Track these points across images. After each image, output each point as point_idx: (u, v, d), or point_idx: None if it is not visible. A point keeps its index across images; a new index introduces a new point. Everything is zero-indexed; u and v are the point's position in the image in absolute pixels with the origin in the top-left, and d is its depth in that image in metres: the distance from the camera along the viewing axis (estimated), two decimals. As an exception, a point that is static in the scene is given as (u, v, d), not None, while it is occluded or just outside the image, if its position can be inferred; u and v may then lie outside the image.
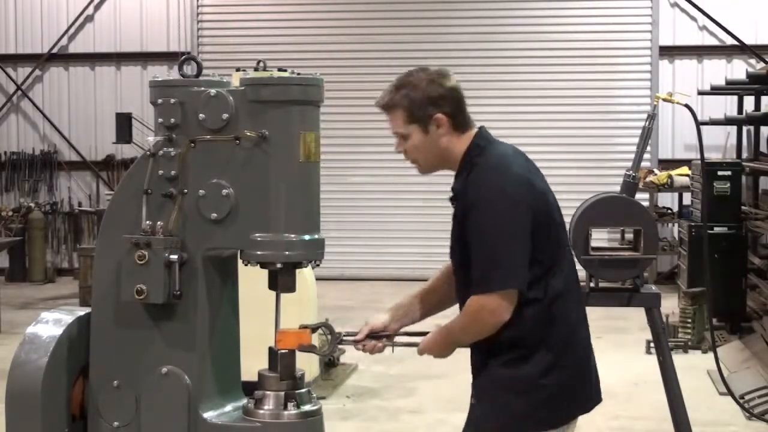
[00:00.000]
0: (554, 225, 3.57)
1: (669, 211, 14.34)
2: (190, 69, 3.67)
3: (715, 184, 10.71)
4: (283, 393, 3.53)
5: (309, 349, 3.59)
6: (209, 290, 3.60)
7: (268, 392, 3.54)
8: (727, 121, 13.58)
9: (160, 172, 3.58)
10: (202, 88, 3.58)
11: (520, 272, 3.42)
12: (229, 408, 3.66)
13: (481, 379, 3.60)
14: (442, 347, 3.62)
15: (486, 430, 3.55)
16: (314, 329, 3.65)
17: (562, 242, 3.63)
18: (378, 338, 3.70)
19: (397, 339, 3.74)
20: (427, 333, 3.69)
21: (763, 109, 12.79)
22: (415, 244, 15.01)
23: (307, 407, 3.55)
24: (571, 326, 3.62)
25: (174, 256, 3.52)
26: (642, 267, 5.80)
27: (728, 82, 13.69)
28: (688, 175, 13.01)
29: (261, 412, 3.53)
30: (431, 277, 3.92)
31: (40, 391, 3.59)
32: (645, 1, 14.98)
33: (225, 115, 3.53)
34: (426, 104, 3.49)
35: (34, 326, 3.72)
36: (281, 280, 3.59)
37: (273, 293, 3.62)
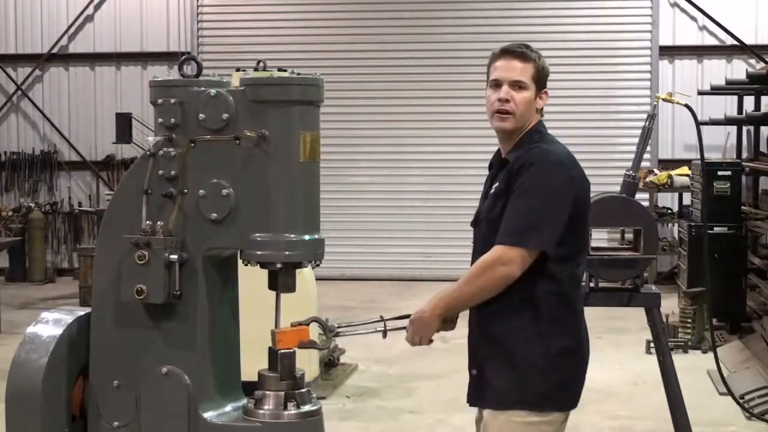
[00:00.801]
0: (586, 218, 3.76)
1: (669, 211, 14.34)
2: (190, 69, 3.67)
3: (715, 184, 10.71)
4: (283, 393, 3.53)
5: (309, 345, 3.59)
6: (209, 290, 3.60)
7: (268, 392, 3.54)
8: (727, 121, 13.58)
9: (160, 172, 3.58)
10: (202, 88, 3.57)
11: (555, 237, 3.57)
12: (229, 408, 3.65)
13: (497, 355, 3.64)
14: (436, 310, 3.62)
15: (507, 406, 3.62)
16: (306, 325, 3.64)
17: (586, 239, 3.83)
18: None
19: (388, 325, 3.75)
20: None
21: (763, 109, 12.79)
22: (415, 244, 14.99)
23: (307, 407, 3.55)
24: (579, 318, 3.75)
25: (174, 256, 3.51)
26: (642, 267, 5.80)
27: (728, 82, 13.70)
28: (688, 175, 13.01)
29: (261, 412, 3.53)
30: None
31: (40, 391, 3.58)
32: (645, 1, 14.98)
33: (225, 115, 3.53)
34: (546, 78, 3.80)
35: (34, 326, 3.72)
36: (281, 280, 3.58)
37: (273, 293, 3.62)
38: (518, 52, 3.73)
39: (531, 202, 3.56)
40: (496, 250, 3.54)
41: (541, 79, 3.75)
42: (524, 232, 3.53)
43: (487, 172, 3.91)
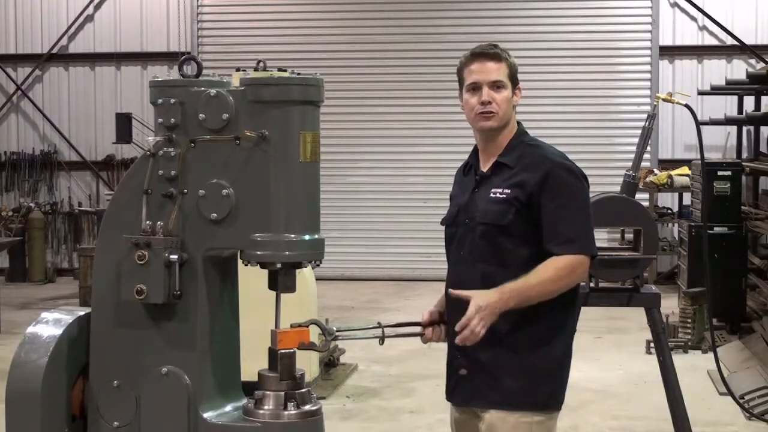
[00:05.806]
0: None
1: (669, 211, 14.35)
2: (190, 69, 3.66)
3: (715, 184, 10.71)
4: (283, 393, 3.52)
5: (309, 347, 3.60)
6: (209, 290, 3.60)
7: (268, 392, 3.54)
8: (727, 121, 13.59)
9: (160, 172, 3.57)
10: (202, 88, 3.57)
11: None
12: (229, 408, 3.65)
13: (504, 356, 3.66)
14: (510, 302, 3.53)
15: (516, 407, 3.65)
16: (306, 327, 3.64)
17: None
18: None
19: (389, 331, 3.75)
20: (418, 323, 3.75)
21: (763, 109, 12.80)
22: (415, 244, 15.00)
23: (307, 407, 3.55)
24: (577, 318, 3.79)
25: (174, 256, 3.51)
26: (642, 267, 5.80)
27: (728, 82, 13.70)
28: (688, 175, 13.01)
29: (261, 412, 3.53)
30: None
31: (40, 391, 3.58)
32: (645, 1, 14.99)
33: (225, 115, 3.53)
34: (517, 73, 3.83)
35: (34, 326, 3.72)
36: (281, 280, 3.58)
37: (273, 293, 3.62)
38: (491, 53, 3.76)
39: (579, 207, 3.68)
40: (575, 257, 3.59)
41: (514, 77, 3.79)
42: (588, 240, 3.67)
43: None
